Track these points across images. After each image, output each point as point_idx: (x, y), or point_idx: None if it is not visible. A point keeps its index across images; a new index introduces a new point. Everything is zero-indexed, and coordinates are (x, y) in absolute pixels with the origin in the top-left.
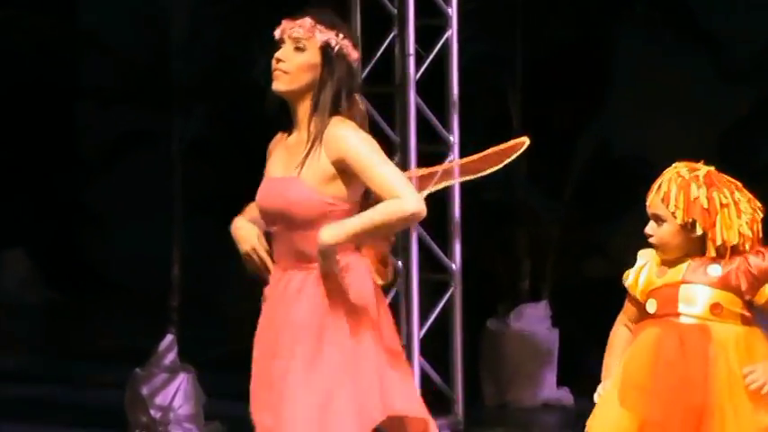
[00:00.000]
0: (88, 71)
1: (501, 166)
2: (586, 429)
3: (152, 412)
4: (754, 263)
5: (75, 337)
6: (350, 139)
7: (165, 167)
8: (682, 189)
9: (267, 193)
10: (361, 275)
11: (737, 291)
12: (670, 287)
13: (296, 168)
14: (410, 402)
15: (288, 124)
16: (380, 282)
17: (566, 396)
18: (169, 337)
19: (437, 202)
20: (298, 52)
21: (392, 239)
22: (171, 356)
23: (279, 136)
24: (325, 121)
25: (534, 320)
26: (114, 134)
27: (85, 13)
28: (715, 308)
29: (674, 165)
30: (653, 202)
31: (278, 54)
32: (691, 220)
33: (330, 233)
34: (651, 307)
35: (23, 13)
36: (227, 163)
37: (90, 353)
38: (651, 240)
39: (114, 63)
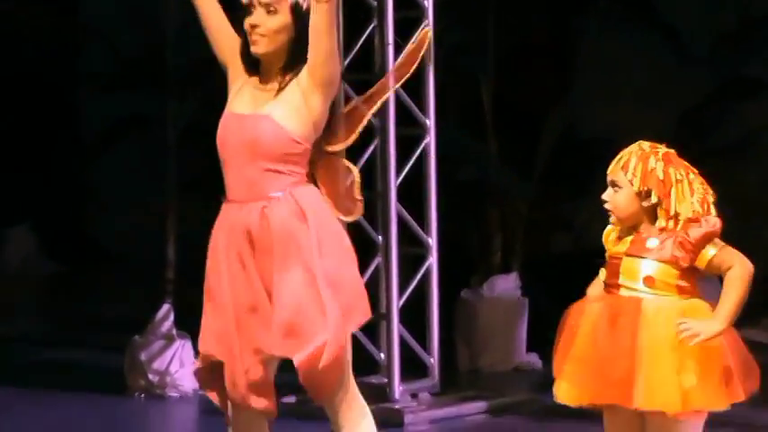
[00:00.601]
0: (88, 59)
1: (418, 61)
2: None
3: (150, 376)
4: (691, 231)
5: (77, 306)
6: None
7: (160, 149)
8: (641, 160)
9: (235, 128)
10: (321, 202)
11: (674, 263)
12: (616, 259)
13: (268, 107)
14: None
15: (252, 70)
16: (345, 218)
17: (535, 360)
18: (165, 307)
19: (415, 181)
20: (270, 15)
21: (354, 176)
22: (167, 325)
23: (242, 72)
24: (300, 68)
25: (505, 291)
26: (113, 118)
27: (85, 3)
28: (647, 280)
29: (638, 142)
30: (613, 170)
31: (251, 20)
32: (646, 188)
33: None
34: (602, 275)
35: (26, 4)
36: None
37: (91, 321)
38: (606, 206)
39: (112, 51)
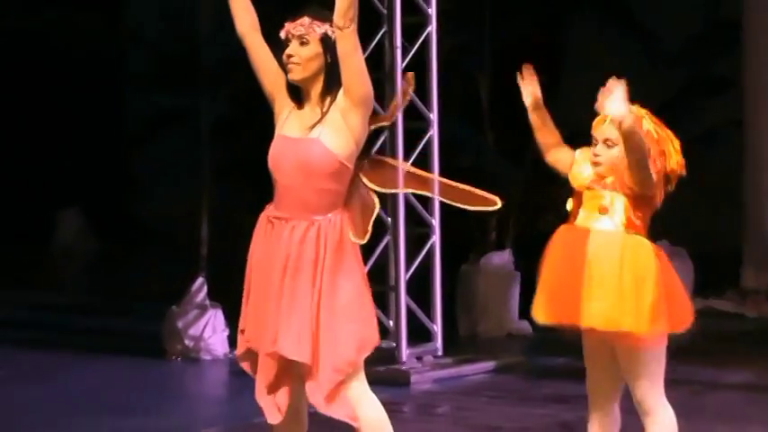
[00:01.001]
0: (132, 61)
1: (466, 207)
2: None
3: (186, 342)
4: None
5: (120, 279)
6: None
7: (194, 140)
8: (639, 121)
9: (287, 150)
10: (346, 229)
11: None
12: (579, 194)
13: (316, 131)
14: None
15: (297, 99)
16: (356, 240)
17: (526, 327)
18: (200, 280)
19: (420, 163)
20: (303, 46)
21: (376, 209)
22: (201, 296)
23: (287, 101)
24: (337, 92)
25: (499, 265)
26: (153, 113)
27: (128, 11)
28: (602, 209)
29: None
30: (606, 128)
31: (288, 51)
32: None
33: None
34: (569, 205)
35: (76, 13)
36: (245, 136)
37: (133, 293)
38: (599, 160)
39: (153, 54)
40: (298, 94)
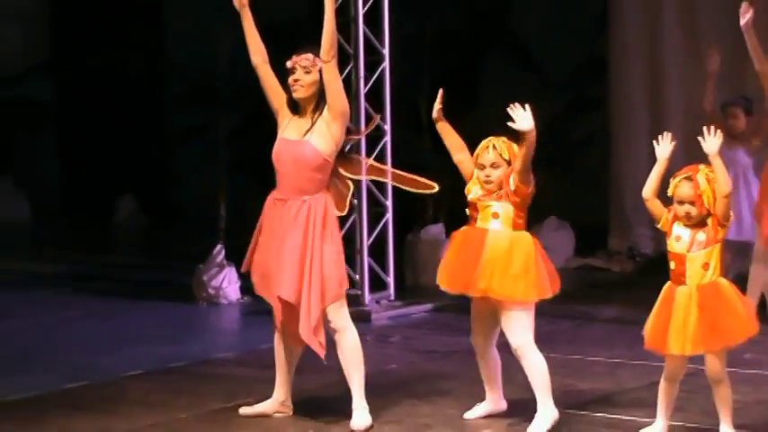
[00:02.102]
0: (170, 86)
1: (413, 190)
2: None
3: (209, 290)
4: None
5: (162, 246)
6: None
7: (215, 144)
8: (510, 148)
9: (286, 149)
10: (330, 206)
11: (511, 200)
12: (474, 205)
13: (307, 135)
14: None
15: (295, 111)
16: (338, 213)
17: None
18: (219, 246)
19: (377, 160)
20: (307, 74)
21: (350, 190)
22: (220, 258)
23: (288, 113)
24: (324, 108)
25: (435, 235)
26: (185, 125)
27: (167, 49)
28: (494, 215)
29: (498, 137)
30: (490, 156)
31: (295, 76)
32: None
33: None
34: (468, 212)
35: (129, 50)
36: (251, 142)
37: (171, 255)
38: (490, 179)
39: (185, 80)
40: (296, 106)
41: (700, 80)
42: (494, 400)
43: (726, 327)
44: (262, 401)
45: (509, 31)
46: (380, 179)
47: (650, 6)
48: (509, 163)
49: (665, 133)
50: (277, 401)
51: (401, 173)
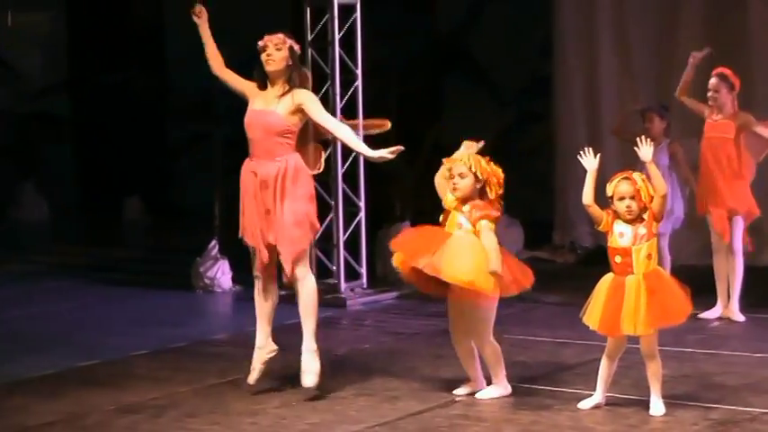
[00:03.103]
0: (171, 102)
1: (377, 131)
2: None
3: (205, 280)
4: (484, 212)
5: (164, 240)
6: (309, 96)
7: (211, 152)
8: (477, 162)
9: (255, 118)
10: (300, 165)
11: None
12: (447, 212)
13: (273, 105)
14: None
15: (263, 86)
16: (312, 171)
17: None
18: (214, 241)
19: (352, 171)
20: (277, 51)
21: (319, 147)
22: (215, 251)
23: (257, 88)
24: (294, 86)
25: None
26: (185, 135)
27: (168, 71)
28: (460, 227)
29: (468, 152)
30: (457, 166)
31: (267, 52)
32: (482, 177)
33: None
34: (441, 218)
35: (137, 72)
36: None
37: (172, 249)
38: (458, 188)
39: (185, 97)
40: (264, 82)
41: (632, 96)
42: (477, 381)
43: (672, 307)
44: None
45: (467, 56)
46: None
47: (589, 32)
48: (478, 178)
49: (586, 149)
50: (260, 349)
51: (362, 122)
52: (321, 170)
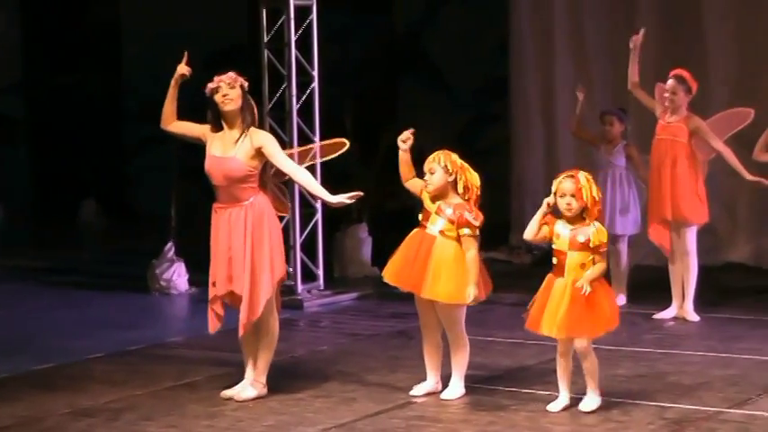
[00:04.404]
0: (126, 104)
1: (336, 154)
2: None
3: (162, 282)
4: (466, 216)
5: (120, 242)
6: (267, 138)
7: (166, 155)
8: (447, 156)
9: (216, 165)
10: (267, 208)
11: (454, 224)
12: (428, 212)
13: (233, 151)
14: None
15: (217, 127)
16: (281, 213)
17: (375, 271)
18: (170, 244)
19: (307, 169)
20: (232, 89)
21: (283, 189)
22: (170, 253)
23: (211, 131)
24: (248, 126)
25: (358, 233)
26: (139, 137)
27: (122, 72)
28: (440, 232)
29: (440, 151)
30: (430, 163)
31: (223, 92)
32: (452, 170)
33: None
34: (420, 217)
35: (90, 74)
36: (201, 152)
37: (129, 251)
38: (429, 183)
39: (138, 99)
40: (218, 123)
41: (587, 97)
42: (434, 381)
43: (588, 320)
44: (208, 378)
45: (422, 57)
46: (311, 162)
47: (545, 33)
48: (449, 173)
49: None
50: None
51: (320, 143)
52: (288, 212)
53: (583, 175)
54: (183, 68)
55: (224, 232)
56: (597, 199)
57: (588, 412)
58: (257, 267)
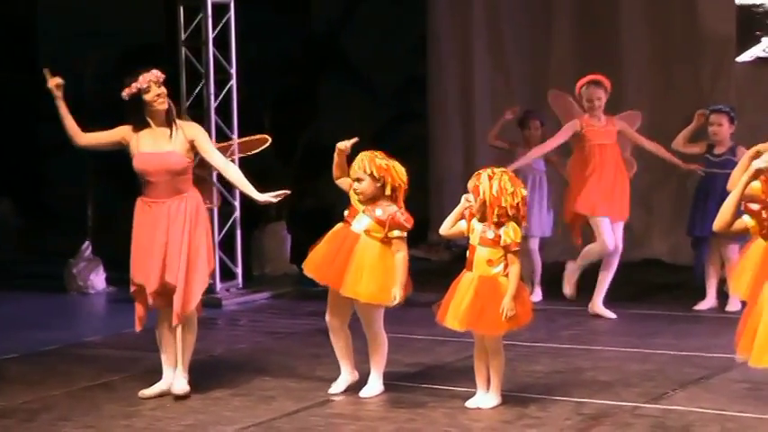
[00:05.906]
0: (43, 101)
1: (259, 149)
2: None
3: (79, 282)
4: (398, 218)
5: (37, 243)
6: (199, 132)
7: (84, 154)
8: (372, 162)
9: (153, 161)
10: (201, 201)
11: (384, 226)
12: (354, 210)
13: (169, 145)
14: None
15: (141, 124)
16: (208, 206)
17: (294, 269)
18: (87, 243)
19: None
20: (161, 89)
21: (212, 183)
22: (88, 253)
23: (133, 131)
24: (174, 119)
25: (277, 231)
26: (57, 138)
27: (41, 66)
28: (366, 231)
29: (364, 153)
30: (355, 172)
31: (155, 91)
32: (379, 175)
33: None
34: (345, 213)
35: (11, 73)
36: (118, 151)
37: (45, 251)
38: (357, 191)
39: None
40: (145, 121)
41: (504, 95)
42: (349, 373)
43: (488, 318)
44: (125, 378)
45: (342, 56)
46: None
47: (463, 32)
48: (377, 178)
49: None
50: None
51: (240, 140)
52: (218, 206)
53: (486, 174)
54: (53, 82)
55: (162, 225)
56: (500, 197)
57: (483, 408)
58: (194, 257)
